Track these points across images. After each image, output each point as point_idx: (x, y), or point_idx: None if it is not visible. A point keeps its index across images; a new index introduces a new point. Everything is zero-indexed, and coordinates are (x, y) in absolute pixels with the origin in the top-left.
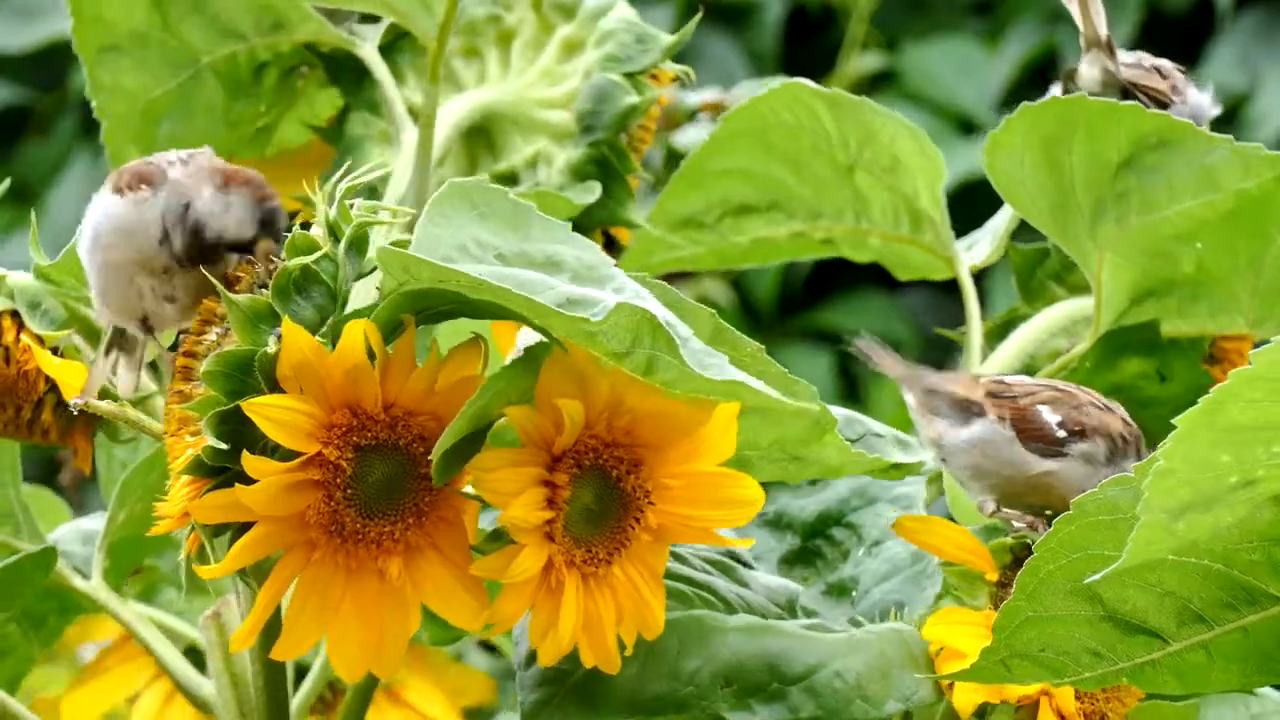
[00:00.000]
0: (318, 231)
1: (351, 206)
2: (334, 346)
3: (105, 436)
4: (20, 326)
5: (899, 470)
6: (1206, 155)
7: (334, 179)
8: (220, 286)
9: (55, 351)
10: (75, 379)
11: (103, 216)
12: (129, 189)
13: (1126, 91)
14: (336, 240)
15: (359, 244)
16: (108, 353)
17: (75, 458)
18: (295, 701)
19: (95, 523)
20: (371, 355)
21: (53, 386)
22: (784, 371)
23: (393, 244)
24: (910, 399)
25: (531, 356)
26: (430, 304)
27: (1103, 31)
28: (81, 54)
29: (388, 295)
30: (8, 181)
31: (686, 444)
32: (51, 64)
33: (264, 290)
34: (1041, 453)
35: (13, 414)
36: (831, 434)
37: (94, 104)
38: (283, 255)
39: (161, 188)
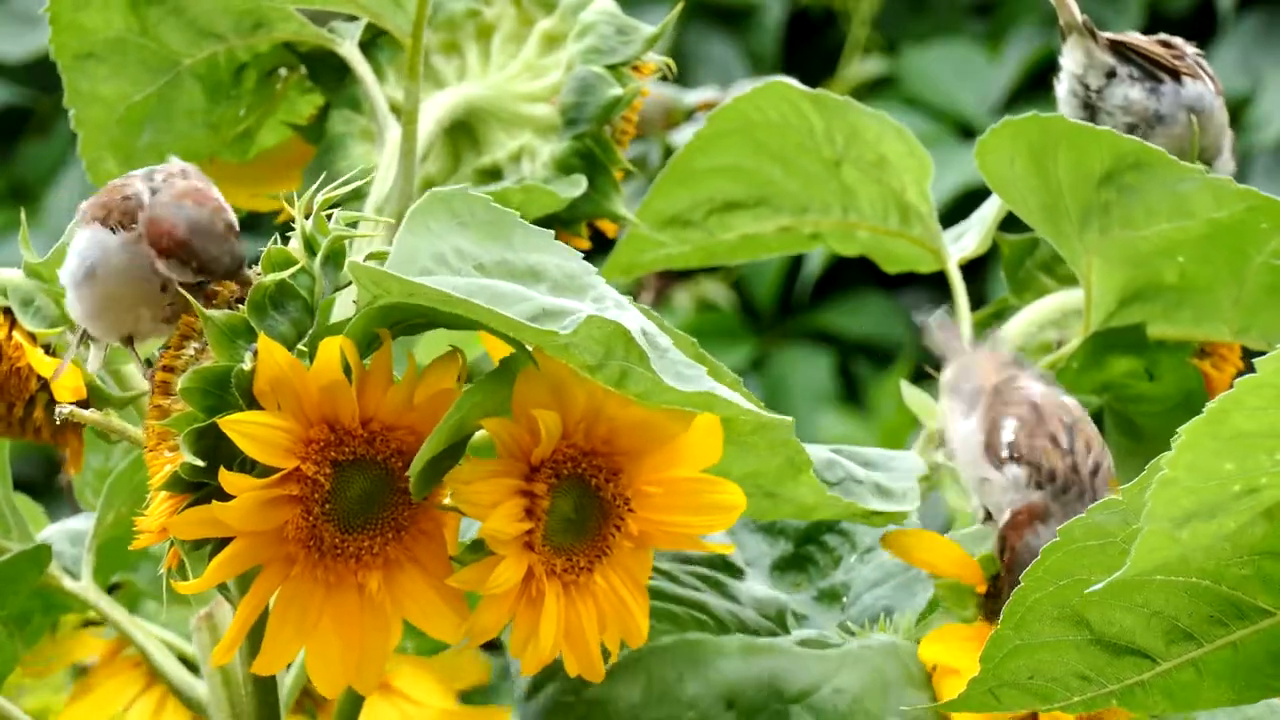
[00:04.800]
0: (294, 245)
1: (329, 218)
2: (311, 361)
3: (96, 437)
4: (12, 324)
5: (880, 517)
6: (1179, 183)
7: (310, 190)
8: (195, 303)
9: (47, 349)
10: (68, 378)
11: (99, 254)
12: (121, 227)
13: (1111, 71)
14: (313, 253)
15: (336, 257)
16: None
17: (68, 458)
18: (281, 698)
19: (83, 523)
20: (349, 370)
21: (44, 385)
22: (761, 404)
23: (370, 256)
24: (952, 368)
25: (506, 368)
26: (405, 317)
27: (1077, 15)
28: (60, 62)
29: (362, 309)
30: None
31: (667, 450)
32: (52, 66)
33: (241, 305)
34: (990, 461)
35: (4, 412)
36: (806, 474)
37: (71, 113)
38: (258, 270)
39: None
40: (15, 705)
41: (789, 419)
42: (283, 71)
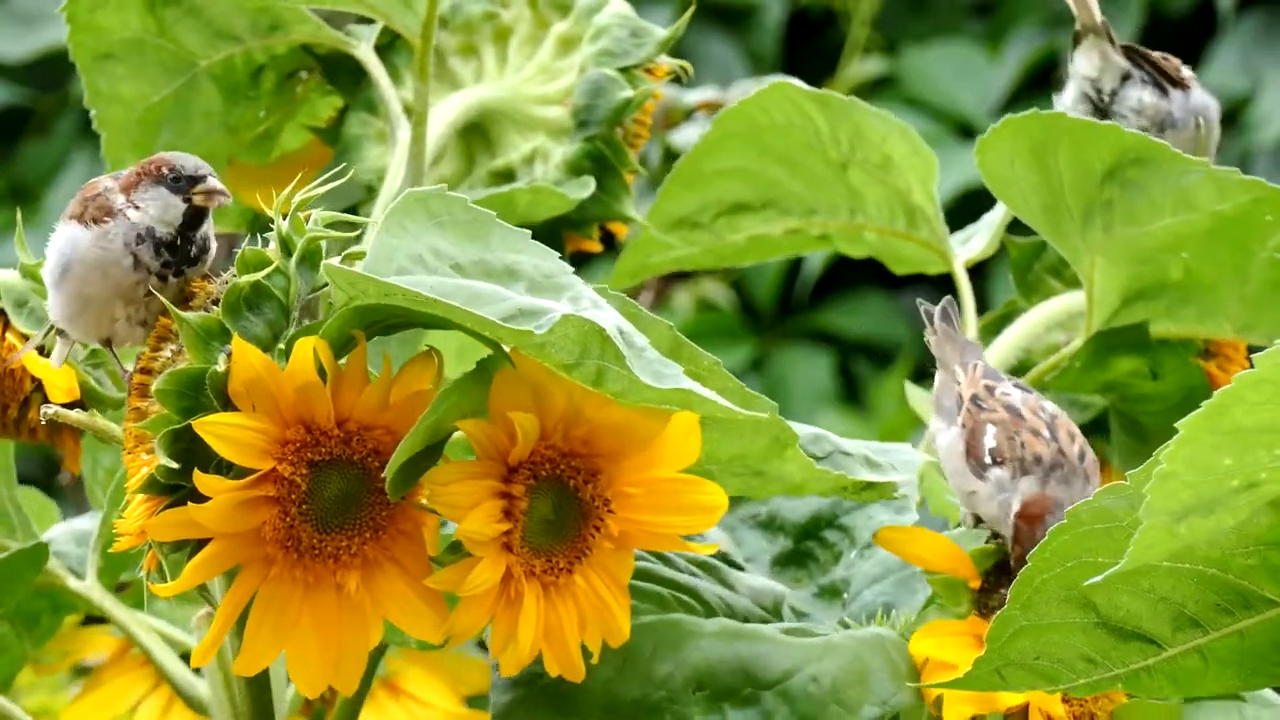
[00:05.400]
0: (271, 245)
1: (307, 219)
2: (287, 362)
3: (94, 438)
4: (6, 325)
5: (871, 490)
6: (1183, 176)
7: (285, 190)
8: (169, 305)
9: (41, 350)
10: (61, 379)
11: (71, 250)
12: (94, 222)
13: (1126, 74)
14: (289, 254)
15: (311, 258)
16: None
17: (66, 458)
18: (286, 699)
19: (89, 523)
20: (324, 371)
21: (39, 385)
22: (742, 386)
23: (346, 256)
24: (935, 383)
25: (484, 369)
26: (382, 317)
27: (1098, 16)
28: (79, 62)
29: (338, 310)
30: None
31: (646, 452)
32: (51, 66)
33: (217, 306)
34: (974, 471)
35: None
36: (793, 449)
37: (93, 113)
38: (233, 270)
39: (119, 216)
40: (15, 705)
41: (767, 411)
42: (303, 74)
